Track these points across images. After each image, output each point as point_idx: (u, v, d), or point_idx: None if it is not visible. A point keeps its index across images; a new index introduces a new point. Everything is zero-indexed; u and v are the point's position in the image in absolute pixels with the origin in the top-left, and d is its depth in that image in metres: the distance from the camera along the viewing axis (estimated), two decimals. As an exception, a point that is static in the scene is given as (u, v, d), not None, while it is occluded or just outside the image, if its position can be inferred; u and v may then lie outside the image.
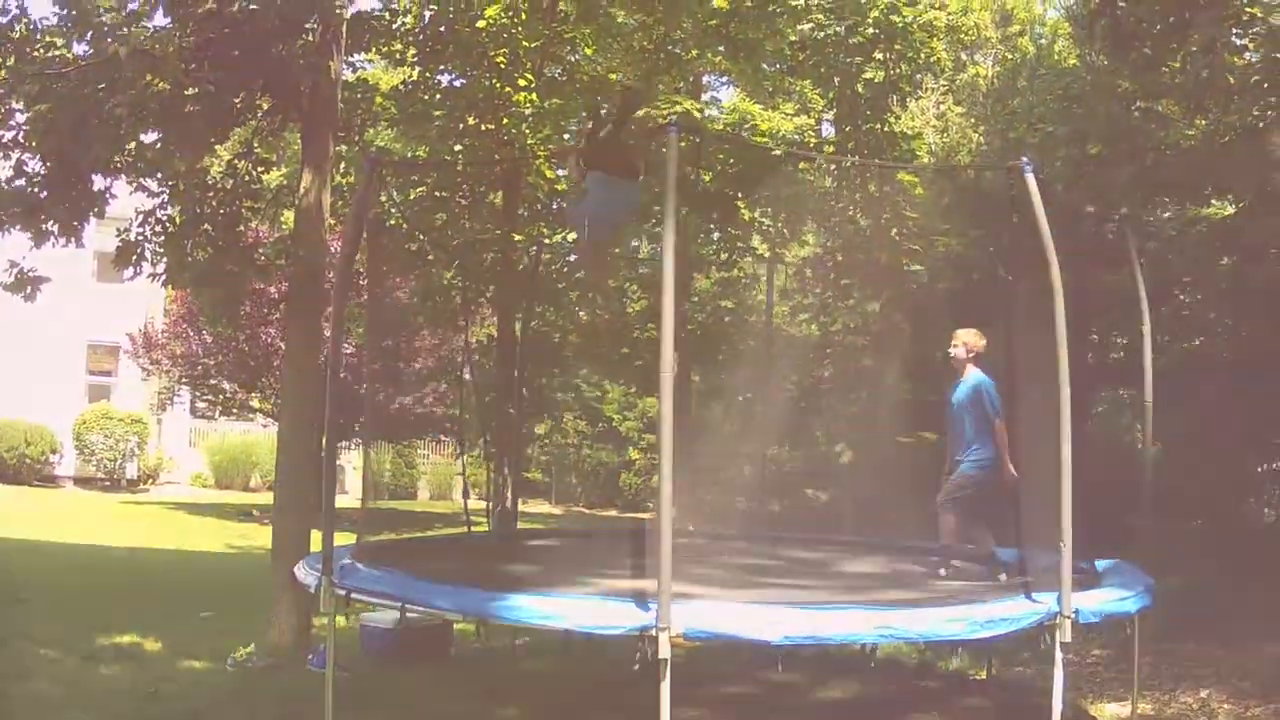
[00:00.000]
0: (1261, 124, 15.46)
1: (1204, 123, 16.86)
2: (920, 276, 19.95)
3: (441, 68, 20.07)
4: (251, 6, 13.25)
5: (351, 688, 11.74)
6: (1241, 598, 14.54)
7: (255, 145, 15.60)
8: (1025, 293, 11.73)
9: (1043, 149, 17.00)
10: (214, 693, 11.89)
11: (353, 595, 9.85)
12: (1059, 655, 8.99)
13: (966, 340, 12.16)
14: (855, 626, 8.39)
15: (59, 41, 13.15)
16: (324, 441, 12.59)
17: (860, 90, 20.44)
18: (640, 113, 17.58)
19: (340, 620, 11.46)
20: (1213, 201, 18.00)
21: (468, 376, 17.87)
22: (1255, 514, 18.37)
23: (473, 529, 15.45)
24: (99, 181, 13.66)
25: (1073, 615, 8.93)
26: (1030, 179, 9.45)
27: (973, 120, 25.64)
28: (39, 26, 13.27)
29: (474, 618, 9.49)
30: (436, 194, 20.99)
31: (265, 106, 14.97)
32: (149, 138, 13.72)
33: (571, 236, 20.32)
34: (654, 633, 7.86)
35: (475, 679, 13.48)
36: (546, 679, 13.83)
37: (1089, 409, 18.85)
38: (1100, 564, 11.07)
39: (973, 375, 12.02)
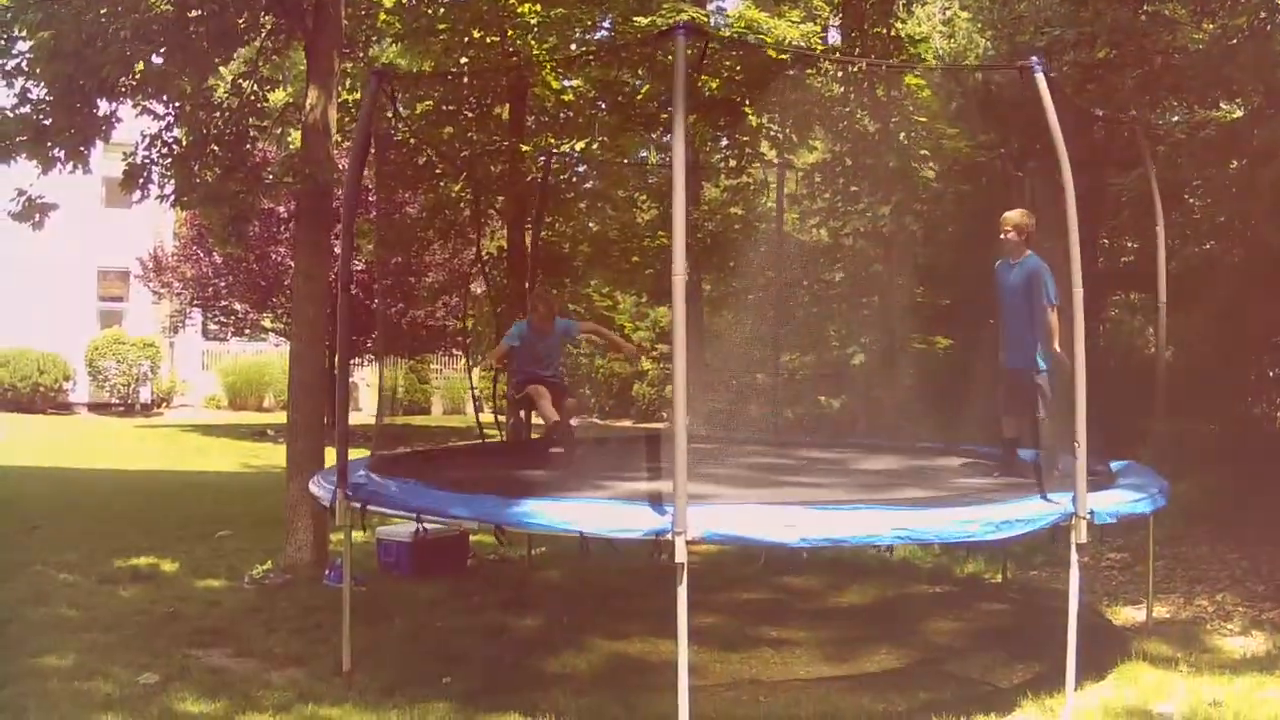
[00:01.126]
0: (1269, 26, 15.36)
1: (1212, 26, 16.73)
2: (930, 181, 19.85)
3: (446, -20, 19.96)
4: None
5: (368, 602, 11.80)
6: (1255, 501, 14.52)
7: (260, 64, 15.53)
8: (1036, 195, 11.67)
9: (1050, 53, 16.83)
10: (232, 610, 11.97)
11: (368, 508, 9.85)
12: (1074, 557, 8.95)
13: (1017, 223, 11.36)
14: (872, 528, 8.35)
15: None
16: (336, 358, 12.59)
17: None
18: (645, 20, 17.49)
19: (356, 534, 11.47)
20: (1221, 104, 17.90)
21: (479, 289, 17.84)
22: (1268, 418, 18.34)
23: (486, 441, 15.46)
24: (104, 106, 13.59)
25: (1088, 516, 8.89)
26: (1041, 79, 9.35)
27: (979, 25, 25.44)
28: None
29: (490, 524, 9.49)
30: (443, 107, 20.94)
31: (269, 25, 14.90)
32: (154, 60, 13.65)
33: (579, 145, 20.28)
34: (670, 537, 7.84)
35: (492, 590, 13.52)
36: (564, 589, 13.88)
37: (1102, 313, 18.82)
38: (1115, 465, 11.03)
39: (1029, 260, 11.25)
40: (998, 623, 12.53)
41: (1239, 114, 17.31)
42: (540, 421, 13.54)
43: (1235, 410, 17.84)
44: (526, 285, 17.55)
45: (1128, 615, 12.45)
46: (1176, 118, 18.49)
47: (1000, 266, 11.49)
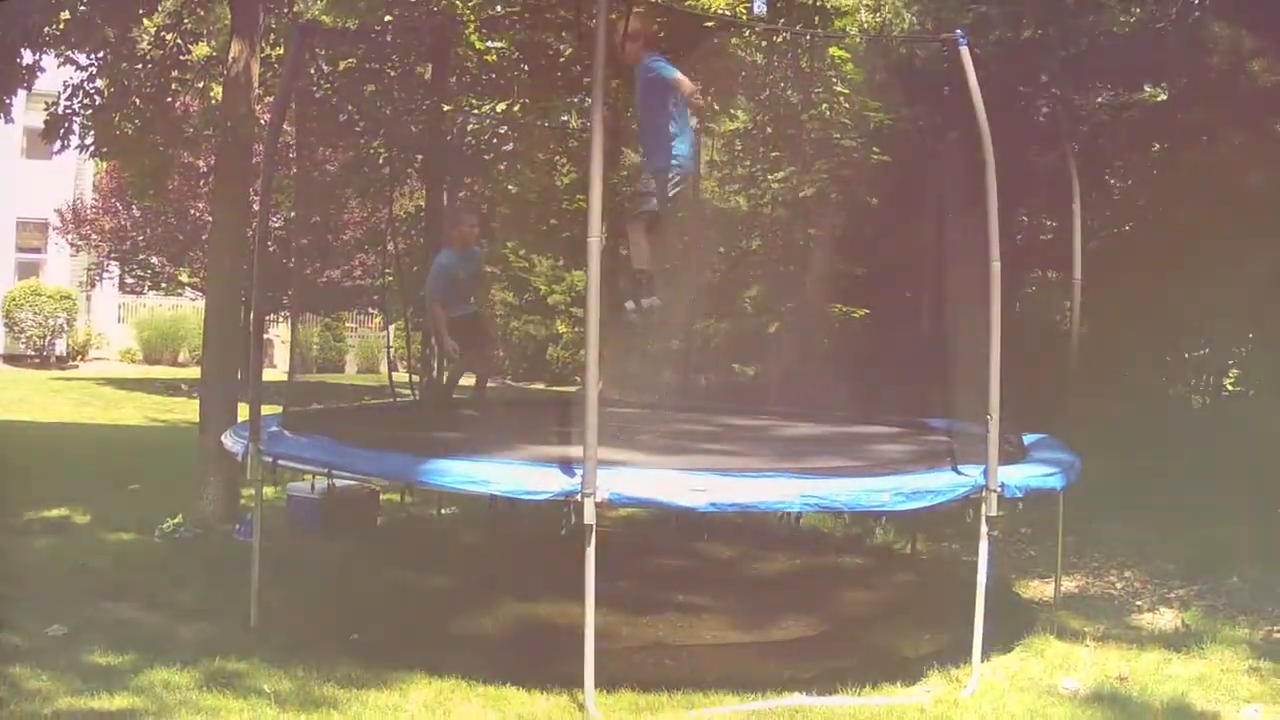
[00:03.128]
0: (1198, 13, 15.46)
1: (1140, 11, 16.83)
2: (851, 151, 19.89)
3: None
4: None
5: (277, 557, 11.74)
6: (1167, 481, 14.66)
7: (184, 17, 15.42)
8: (956, 169, 11.70)
9: (976, 30, 16.86)
10: (142, 564, 11.86)
11: (279, 462, 9.82)
12: (984, 529, 8.97)
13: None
14: (782, 494, 8.34)
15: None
16: (251, 314, 12.53)
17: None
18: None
19: (268, 490, 11.43)
20: (1145, 88, 18.02)
21: (393, 248, 17.77)
22: (1183, 398, 18.51)
23: (399, 401, 15.45)
24: (27, 56, 13.48)
25: (999, 489, 8.92)
26: (964, 52, 9.36)
27: (906, 0, 25.50)
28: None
29: (399, 482, 9.48)
30: (367, 65, 20.85)
31: (194, -23, 14.82)
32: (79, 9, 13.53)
33: (500, 107, 20.20)
34: (579, 498, 7.82)
35: (403, 548, 13.53)
36: (474, 549, 13.90)
37: (1019, 289, 18.92)
38: (1027, 439, 11.09)
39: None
40: (907, 593, 12.60)
41: (1163, 98, 17.42)
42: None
43: (1151, 390, 18.00)
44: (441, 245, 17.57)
45: (1037, 589, 12.53)
46: (1100, 99, 18.58)
47: None
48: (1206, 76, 15.15)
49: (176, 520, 13.28)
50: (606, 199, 9.25)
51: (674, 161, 10.79)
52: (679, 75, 10.54)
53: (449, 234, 14.52)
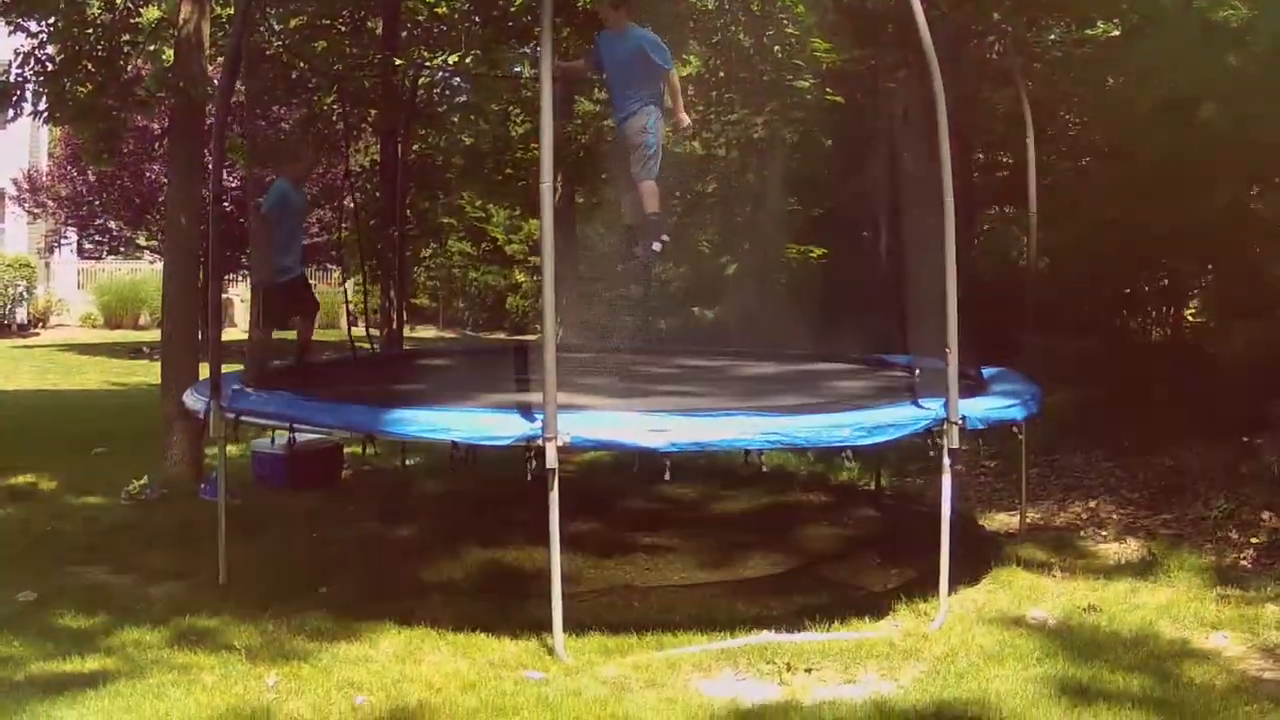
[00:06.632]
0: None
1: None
2: (804, 93, 19.88)
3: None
4: None
5: (244, 514, 11.75)
6: (1129, 412, 14.70)
7: (134, -22, 15.37)
8: (909, 108, 11.72)
9: (926, -32, 16.85)
10: (110, 526, 11.90)
11: (241, 418, 9.83)
12: (946, 462, 9.00)
13: None
14: (742, 432, 8.37)
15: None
16: (207, 273, 12.51)
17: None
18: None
19: (231, 448, 11.42)
20: (1099, 23, 17.99)
21: (350, 203, 17.75)
22: (1142, 330, 18.56)
23: (358, 353, 15.47)
24: (-22, 26, 13.45)
25: (960, 421, 8.96)
26: (911, -11, 9.37)
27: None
28: None
29: (360, 433, 9.50)
30: (318, 22, 20.78)
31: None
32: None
33: (453, 59, 20.16)
34: (540, 442, 7.85)
35: (367, 501, 13.60)
36: (439, 498, 13.96)
37: (976, 226, 18.96)
38: (987, 372, 11.14)
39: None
40: (872, 529, 12.70)
41: (1116, 33, 17.40)
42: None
43: (1110, 324, 18.06)
44: (397, 198, 17.61)
45: (1002, 521, 12.60)
46: (1053, 36, 18.58)
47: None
48: (1158, 10, 15.14)
49: (143, 482, 13.27)
50: (560, 147, 9.27)
51: (651, 138, 11.46)
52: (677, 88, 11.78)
53: (287, 167, 14.51)
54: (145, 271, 40.77)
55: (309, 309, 13.81)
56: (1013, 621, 8.86)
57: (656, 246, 11.64)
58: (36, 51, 14.47)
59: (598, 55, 11.66)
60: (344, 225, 19.75)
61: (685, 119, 12.02)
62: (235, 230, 26.49)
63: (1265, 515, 11.36)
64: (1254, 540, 10.96)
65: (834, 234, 18.88)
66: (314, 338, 14.56)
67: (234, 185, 27.24)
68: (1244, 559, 10.63)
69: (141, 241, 35.43)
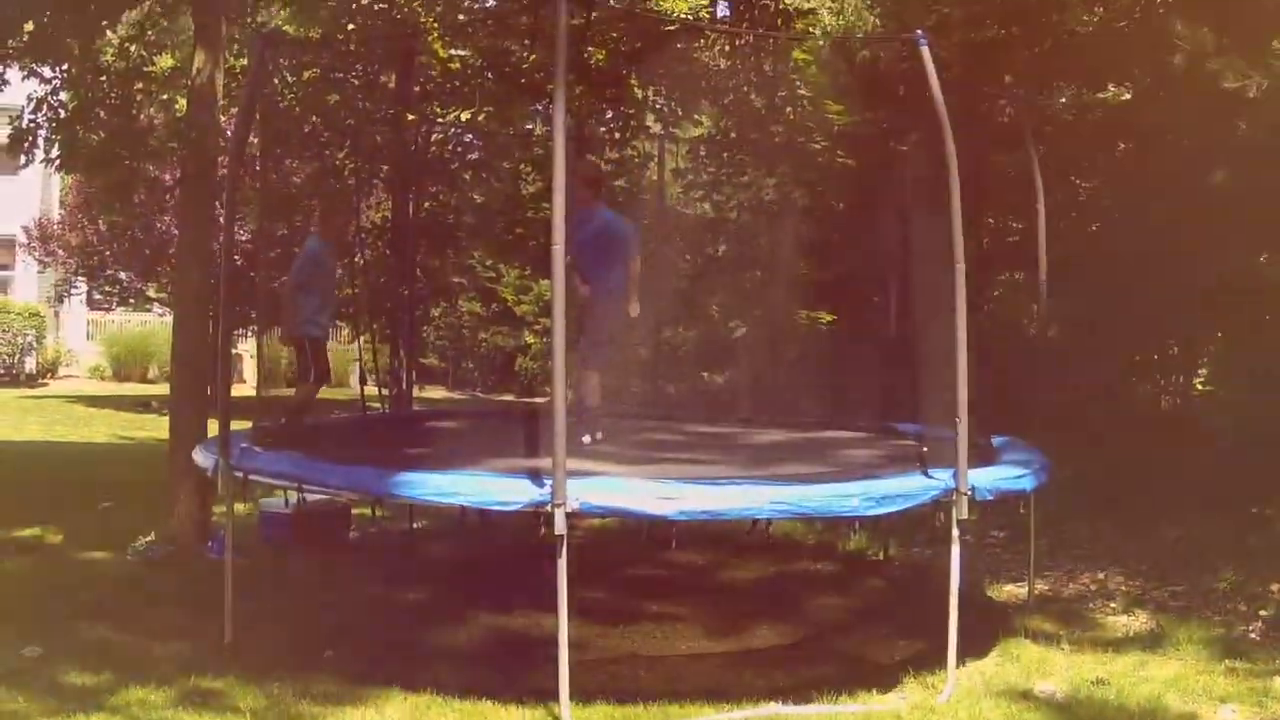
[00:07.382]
0: (1162, 10, 15.45)
1: (1102, 10, 16.83)
2: (815, 155, 19.90)
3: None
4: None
5: (251, 574, 11.70)
6: (1138, 482, 14.66)
7: (147, 28, 15.40)
8: (920, 170, 11.72)
9: (938, 31, 16.83)
10: (116, 583, 11.88)
11: (250, 477, 9.83)
12: (955, 532, 8.99)
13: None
14: (752, 501, 8.38)
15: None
16: (218, 328, 12.49)
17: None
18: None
19: (239, 506, 11.41)
20: (1110, 87, 18.01)
21: (361, 260, 17.76)
22: (1152, 400, 18.52)
23: (369, 413, 15.45)
24: (-8, 69, 13.50)
25: (969, 491, 8.93)
26: (925, 52, 9.38)
27: (868, 2, 25.51)
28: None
29: (369, 496, 9.49)
30: (330, 75, 20.83)
31: (157, -13, 14.79)
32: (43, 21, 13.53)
33: (465, 115, 20.21)
34: (549, 508, 7.83)
35: (374, 563, 13.55)
36: (447, 562, 13.90)
37: (988, 292, 18.93)
38: (996, 441, 11.11)
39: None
40: (880, 599, 12.64)
41: (1127, 96, 17.42)
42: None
43: (1118, 391, 18.02)
44: (409, 256, 17.64)
45: (1010, 592, 12.54)
46: (1064, 99, 18.59)
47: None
48: (1171, 73, 15.16)
49: (149, 538, 13.25)
50: (572, 207, 9.25)
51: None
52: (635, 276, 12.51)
53: (322, 223, 14.51)
54: (154, 324, 40.66)
55: (320, 373, 13.75)
56: (1021, 695, 8.81)
57: (586, 439, 11.66)
58: (50, 98, 14.52)
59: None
60: (354, 283, 19.79)
61: (635, 309, 12.51)
62: (245, 285, 26.52)
63: (1274, 587, 11.37)
64: (1262, 612, 10.94)
65: (844, 298, 18.88)
66: (322, 396, 14.49)
67: (245, 239, 27.25)
68: (1252, 631, 10.60)
69: (151, 293, 35.43)
